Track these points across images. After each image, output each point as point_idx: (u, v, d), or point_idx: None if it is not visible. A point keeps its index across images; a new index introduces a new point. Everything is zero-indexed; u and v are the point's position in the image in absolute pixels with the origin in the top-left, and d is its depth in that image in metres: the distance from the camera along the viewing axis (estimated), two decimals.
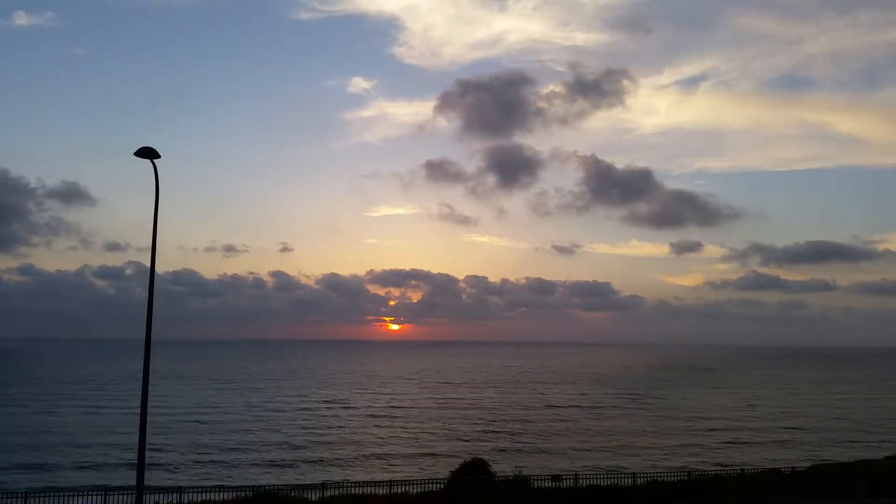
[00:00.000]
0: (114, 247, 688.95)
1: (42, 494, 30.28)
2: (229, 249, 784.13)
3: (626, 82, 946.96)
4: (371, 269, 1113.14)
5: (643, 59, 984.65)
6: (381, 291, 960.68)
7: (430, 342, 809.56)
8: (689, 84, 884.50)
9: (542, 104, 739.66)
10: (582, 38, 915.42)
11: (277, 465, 55.34)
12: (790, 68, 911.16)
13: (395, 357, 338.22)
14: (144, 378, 23.29)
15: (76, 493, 30.34)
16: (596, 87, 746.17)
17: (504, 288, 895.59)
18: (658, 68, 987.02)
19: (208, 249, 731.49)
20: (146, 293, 23.27)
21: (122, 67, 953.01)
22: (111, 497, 29.56)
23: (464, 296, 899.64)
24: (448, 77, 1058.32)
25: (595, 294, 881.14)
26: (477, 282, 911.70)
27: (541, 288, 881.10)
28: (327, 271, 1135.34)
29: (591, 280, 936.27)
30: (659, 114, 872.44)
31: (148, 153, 22.96)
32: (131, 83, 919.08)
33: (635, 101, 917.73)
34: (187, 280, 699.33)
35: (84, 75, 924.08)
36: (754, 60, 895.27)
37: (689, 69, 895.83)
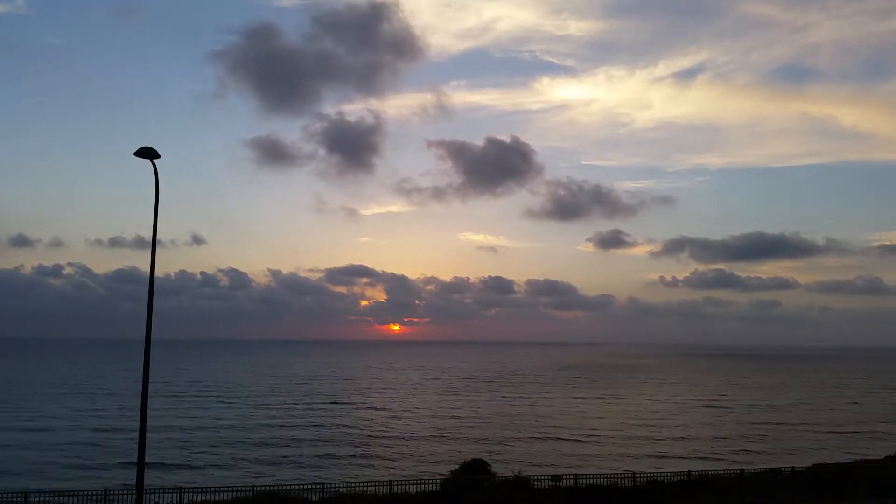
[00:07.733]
0: (21, 241, 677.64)
1: (42, 495, 30.28)
2: (139, 242, 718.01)
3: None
4: (299, 266, 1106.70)
5: (638, 50, 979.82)
6: (342, 289, 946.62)
7: (437, 342, 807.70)
8: (686, 76, 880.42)
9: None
10: (575, 26, 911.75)
11: (277, 465, 55.29)
12: (792, 58, 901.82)
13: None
14: (144, 378, 23.30)
15: (76, 494, 30.26)
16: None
17: (461, 286, 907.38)
18: (653, 59, 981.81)
19: (114, 242, 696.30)
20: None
21: (92, 56, 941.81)
22: (111, 497, 29.53)
23: (424, 294, 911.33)
24: (437, 67, 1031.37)
25: (556, 293, 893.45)
26: (431, 280, 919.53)
27: (499, 286, 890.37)
28: (266, 268, 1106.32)
29: (543, 279, 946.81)
30: (654, 107, 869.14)
31: (148, 153, 22.98)
32: (90, 73, 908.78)
33: None
34: (132, 277, 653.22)
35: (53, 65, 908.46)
36: (753, 50, 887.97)
37: (686, 60, 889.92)
